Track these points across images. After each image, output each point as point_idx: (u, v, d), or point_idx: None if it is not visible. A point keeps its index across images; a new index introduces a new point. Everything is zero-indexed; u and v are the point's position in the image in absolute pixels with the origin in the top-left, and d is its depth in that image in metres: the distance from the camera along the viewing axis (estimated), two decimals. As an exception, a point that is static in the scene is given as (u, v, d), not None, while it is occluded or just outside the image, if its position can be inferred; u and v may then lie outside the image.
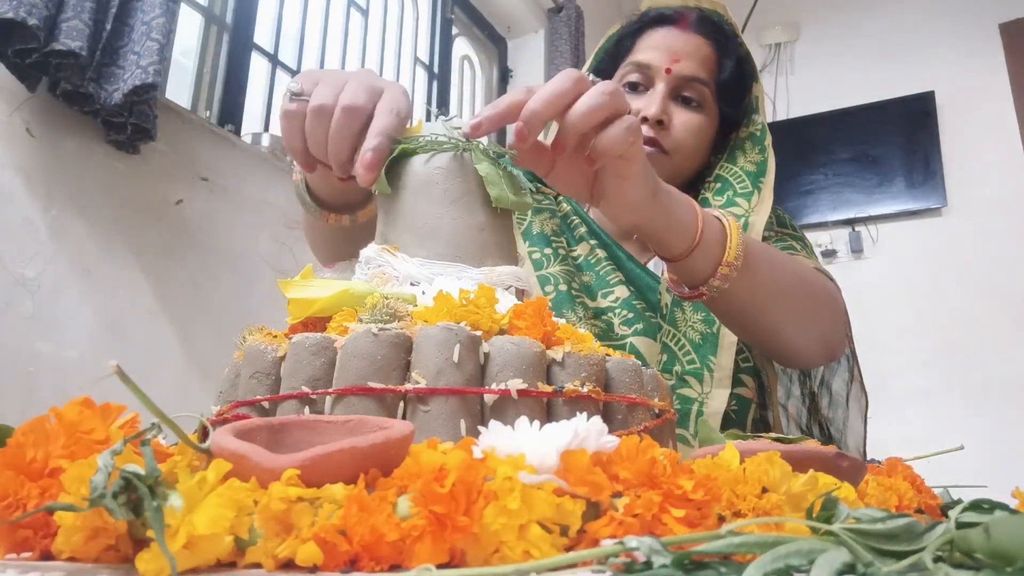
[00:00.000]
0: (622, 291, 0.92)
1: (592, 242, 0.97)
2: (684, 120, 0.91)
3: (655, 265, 0.97)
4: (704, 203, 0.91)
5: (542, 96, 0.55)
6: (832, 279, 0.90)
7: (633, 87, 0.93)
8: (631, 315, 0.90)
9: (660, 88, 0.90)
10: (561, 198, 1.03)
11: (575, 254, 0.98)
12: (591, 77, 0.58)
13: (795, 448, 0.45)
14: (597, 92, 0.55)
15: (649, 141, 0.89)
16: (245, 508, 0.29)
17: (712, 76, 0.92)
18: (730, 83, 0.93)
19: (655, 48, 0.92)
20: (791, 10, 3.77)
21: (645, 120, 0.89)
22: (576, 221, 1.00)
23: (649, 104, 0.90)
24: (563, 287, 0.91)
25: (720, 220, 0.66)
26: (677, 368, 0.83)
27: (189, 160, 1.79)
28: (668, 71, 0.90)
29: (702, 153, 0.95)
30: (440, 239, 0.58)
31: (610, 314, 0.91)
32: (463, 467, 0.29)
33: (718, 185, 0.91)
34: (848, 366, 0.98)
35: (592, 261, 0.96)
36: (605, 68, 0.98)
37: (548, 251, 0.96)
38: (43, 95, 1.48)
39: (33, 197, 1.46)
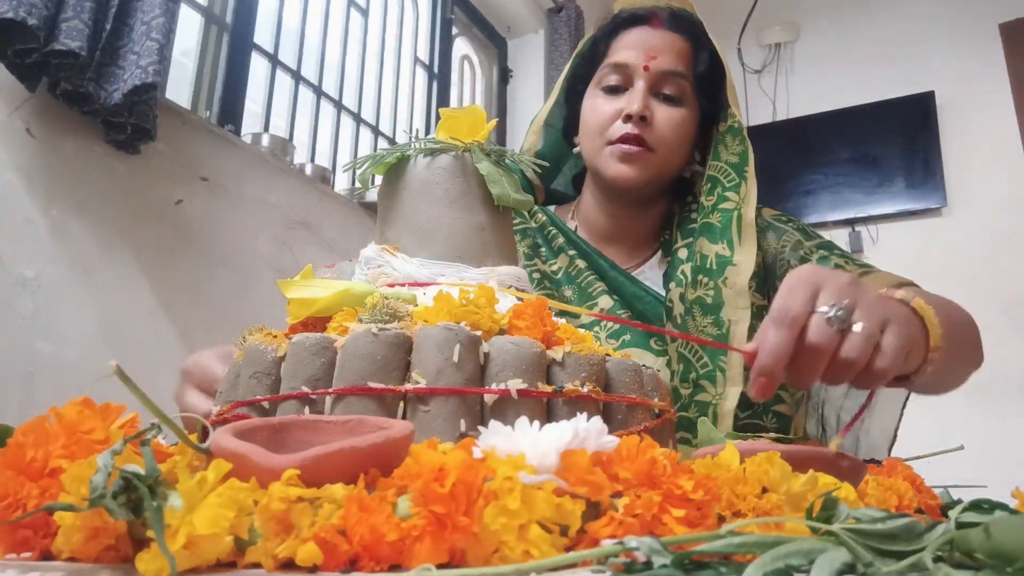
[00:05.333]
0: (605, 301, 0.92)
1: (571, 252, 0.97)
2: (666, 115, 0.91)
3: (642, 275, 0.96)
4: (699, 206, 0.92)
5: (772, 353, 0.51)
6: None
7: (613, 90, 0.93)
8: (616, 327, 0.90)
9: (640, 86, 0.91)
10: (536, 209, 1.02)
11: (553, 268, 0.97)
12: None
13: (795, 448, 0.45)
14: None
15: (634, 138, 0.90)
16: (245, 508, 0.29)
17: (689, 69, 0.93)
18: (707, 75, 0.94)
19: (631, 47, 0.93)
20: (791, 10, 3.77)
21: (629, 118, 0.90)
22: (553, 232, 0.99)
23: (631, 102, 0.90)
24: None
25: (910, 307, 0.62)
26: (693, 375, 0.83)
27: (189, 160, 1.79)
28: (646, 68, 0.91)
29: (685, 148, 0.95)
30: (440, 239, 0.58)
31: (596, 328, 0.90)
32: (463, 467, 0.29)
33: (708, 185, 0.92)
34: None
35: (572, 273, 0.95)
36: (582, 73, 0.99)
37: None
38: (43, 95, 1.48)
39: (33, 197, 1.46)
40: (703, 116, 0.95)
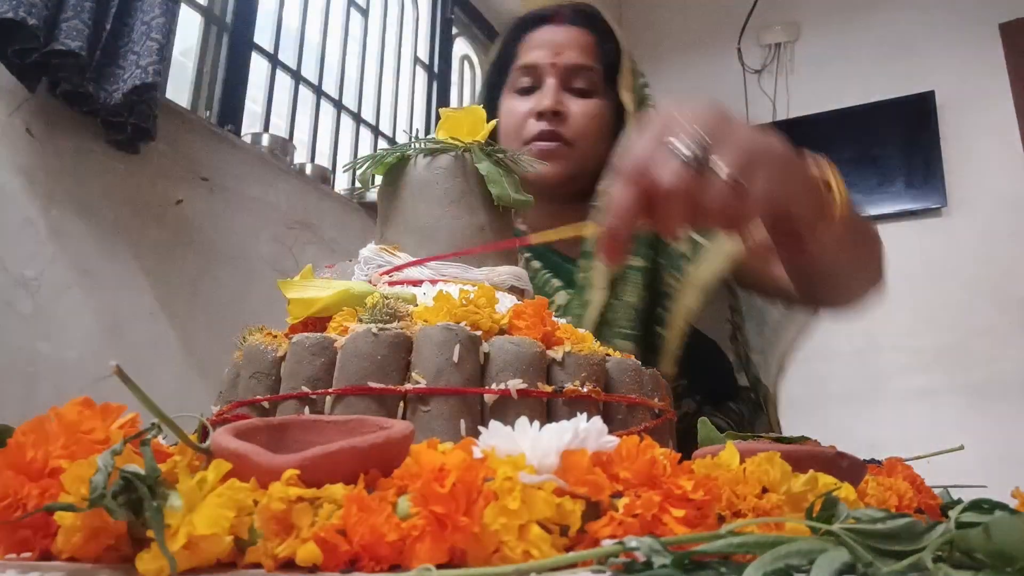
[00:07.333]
0: (562, 297, 0.91)
1: (526, 255, 0.95)
2: (580, 108, 0.91)
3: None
4: None
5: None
6: None
7: (525, 91, 0.93)
8: (572, 320, 0.90)
9: (550, 83, 0.91)
10: None
11: None
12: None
13: (795, 448, 0.45)
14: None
15: (549, 135, 0.90)
16: (245, 508, 0.29)
17: (597, 61, 0.93)
18: (616, 66, 0.94)
19: (537, 47, 0.93)
20: (791, 10, 3.77)
21: (542, 115, 0.90)
22: None
23: (542, 99, 0.90)
24: None
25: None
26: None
27: (189, 160, 1.79)
28: (553, 64, 0.91)
29: (604, 139, 0.93)
30: (440, 239, 0.58)
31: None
32: (463, 467, 0.29)
33: None
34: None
35: (529, 275, 0.96)
36: (495, 81, 0.99)
37: None
38: (43, 95, 1.48)
39: (33, 197, 1.46)
40: (621, 106, 0.95)
